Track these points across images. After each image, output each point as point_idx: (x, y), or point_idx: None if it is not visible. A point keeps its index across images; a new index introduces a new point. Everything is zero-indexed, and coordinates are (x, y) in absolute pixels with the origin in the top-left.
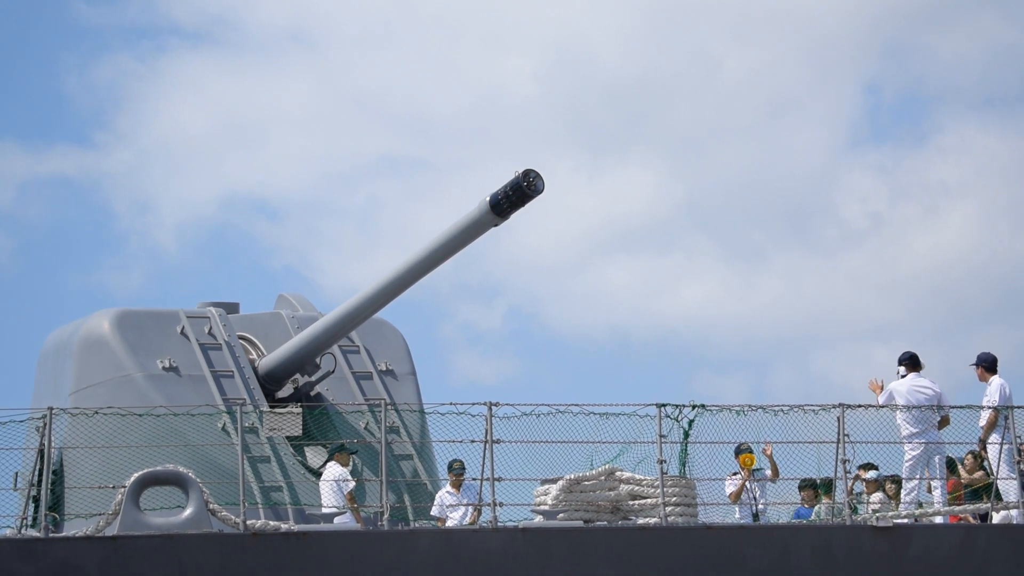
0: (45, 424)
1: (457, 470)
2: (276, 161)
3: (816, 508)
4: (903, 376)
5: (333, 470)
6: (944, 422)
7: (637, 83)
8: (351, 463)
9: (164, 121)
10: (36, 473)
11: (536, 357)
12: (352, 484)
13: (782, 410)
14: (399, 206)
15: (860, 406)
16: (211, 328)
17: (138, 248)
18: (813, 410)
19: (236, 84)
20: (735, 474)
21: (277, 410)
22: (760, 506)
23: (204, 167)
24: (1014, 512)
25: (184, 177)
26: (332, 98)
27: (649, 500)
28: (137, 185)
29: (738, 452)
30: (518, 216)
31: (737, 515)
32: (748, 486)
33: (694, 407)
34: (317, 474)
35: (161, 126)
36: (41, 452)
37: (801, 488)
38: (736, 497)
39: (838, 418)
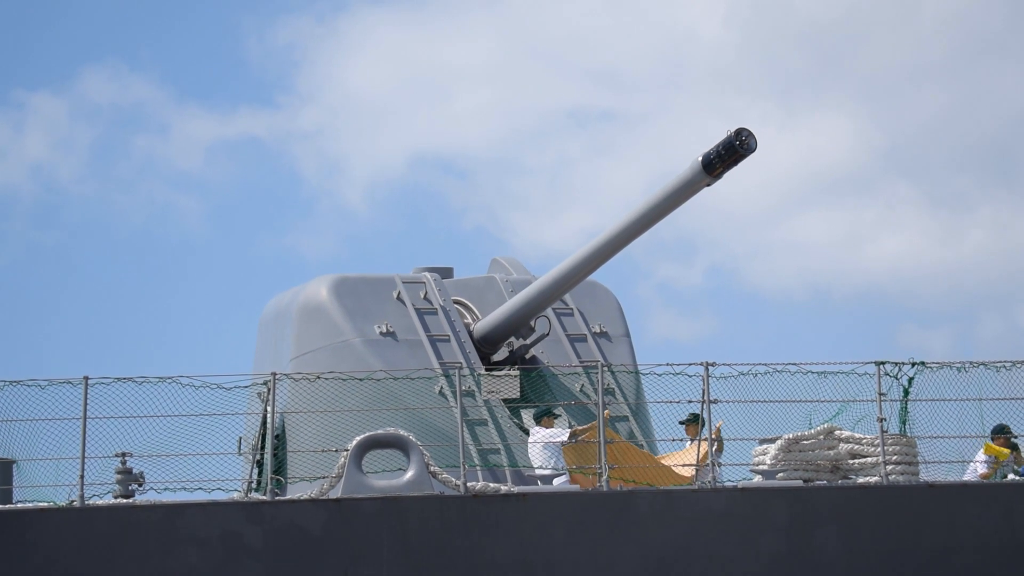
0: (269, 390)
1: (690, 420)
2: (462, 118)
3: None
4: None
5: (540, 433)
6: None
7: (832, 25)
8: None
9: (346, 81)
10: (260, 437)
11: (732, 315)
12: (564, 436)
13: (1004, 366)
14: (588, 163)
15: None
16: (427, 293)
17: (328, 209)
18: None
19: (417, 40)
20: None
21: (494, 373)
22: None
23: (390, 126)
24: None
25: (370, 137)
26: (515, 51)
27: (869, 459)
28: (324, 146)
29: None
30: None
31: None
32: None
33: (914, 364)
34: None
35: (343, 86)
36: (265, 417)
37: None
38: (985, 478)
39: None
